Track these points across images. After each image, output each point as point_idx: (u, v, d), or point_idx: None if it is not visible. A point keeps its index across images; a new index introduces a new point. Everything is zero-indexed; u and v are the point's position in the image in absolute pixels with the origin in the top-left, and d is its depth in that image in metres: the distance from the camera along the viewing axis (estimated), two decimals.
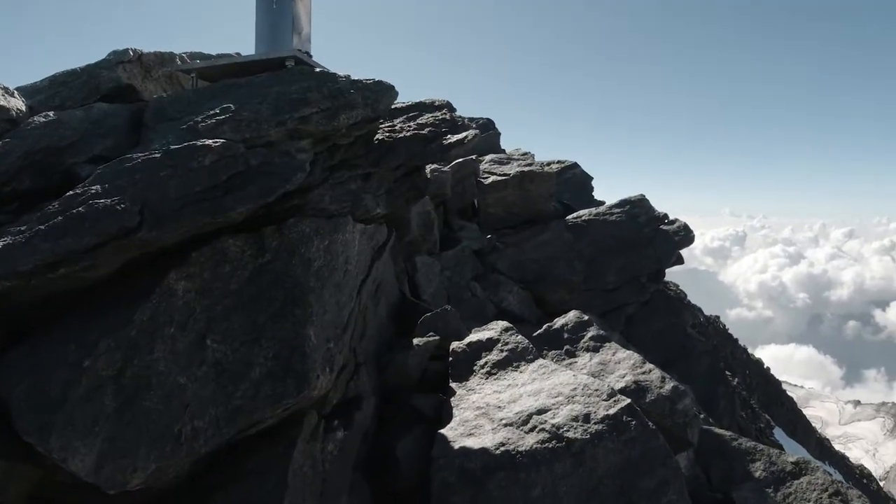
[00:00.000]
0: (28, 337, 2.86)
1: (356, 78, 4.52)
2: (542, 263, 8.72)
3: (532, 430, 4.63)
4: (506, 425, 4.71)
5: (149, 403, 2.72)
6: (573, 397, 4.78)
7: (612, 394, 4.86)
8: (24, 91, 4.36)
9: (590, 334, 6.72)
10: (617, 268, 9.77)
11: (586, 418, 4.59)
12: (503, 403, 4.86)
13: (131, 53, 4.69)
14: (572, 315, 6.89)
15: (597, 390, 4.92)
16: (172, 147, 3.06)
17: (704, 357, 10.27)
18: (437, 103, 5.58)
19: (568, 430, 4.50)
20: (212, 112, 3.62)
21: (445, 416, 4.97)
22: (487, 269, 8.48)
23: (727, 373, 12.21)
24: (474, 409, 4.88)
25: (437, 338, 5.36)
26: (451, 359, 5.38)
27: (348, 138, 4.27)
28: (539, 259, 8.79)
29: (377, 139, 4.75)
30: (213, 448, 2.90)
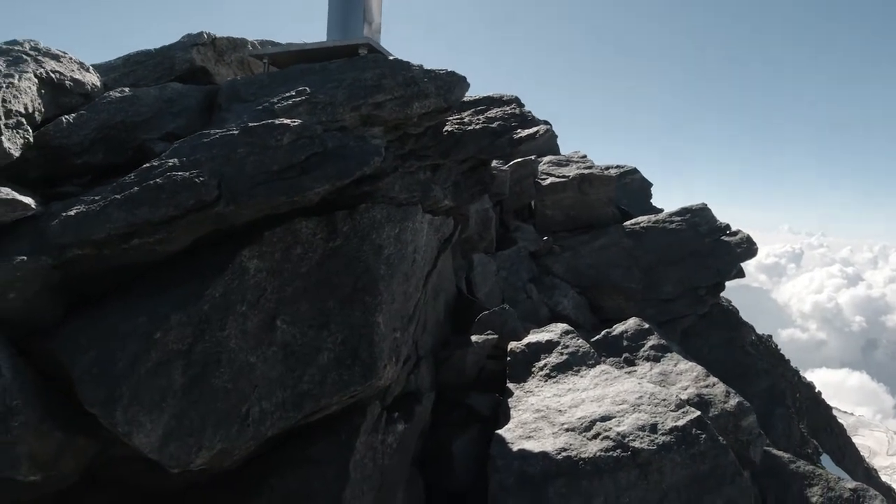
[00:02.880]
0: (94, 307, 2.80)
1: (428, 68, 4.43)
2: (599, 269, 8.46)
3: (595, 436, 4.42)
4: (567, 430, 4.52)
5: (217, 381, 2.65)
6: (639, 406, 4.55)
7: (680, 404, 4.62)
8: (99, 69, 4.40)
9: (650, 343, 6.46)
10: (675, 278, 9.44)
11: (653, 428, 4.36)
12: (564, 407, 4.67)
13: (205, 37, 4.71)
14: (632, 322, 6.64)
15: (664, 400, 4.69)
16: (251, 124, 3.00)
17: (763, 376, 9.82)
18: (505, 98, 5.44)
19: (634, 440, 4.28)
20: (287, 94, 3.56)
21: (502, 416, 4.80)
22: (542, 272, 8.28)
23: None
24: (533, 411, 4.70)
25: (495, 336, 5.21)
26: (508, 359, 5.22)
27: (419, 128, 4.17)
28: (596, 264, 8.53)
29: (446, 131, 4.64)
30: (277, 431, 2.82)
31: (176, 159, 2.88)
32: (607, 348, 6.39)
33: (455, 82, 4.29)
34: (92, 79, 3.85)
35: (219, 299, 2.67)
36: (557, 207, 9.42)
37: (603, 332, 6.43)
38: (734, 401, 5.55)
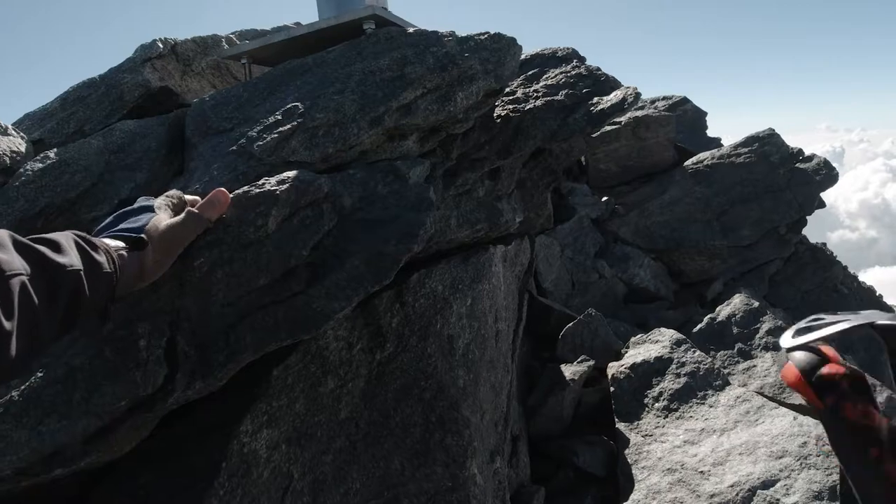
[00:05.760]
0: None
1: (462, 34, 3.06)
2: (673, 227, 7.09)
3: None
4: None
5: None
6: (806, 458, 3.28)
7: None
8: (34, 118, 3.17)
9: (765, 326, 5.13)
10: (752, 219, 7.99)
11: (833, 494, 3.12)
12: (705, 466, 3.41)
13: (160, 46, 3.38)
14: (739, 302, 5.31)
15: None
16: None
17: None
18: (559, 52, 4.03)
19: None
20: (272, 119, 2.28)
21: (623, 478, 3.61)
22: (609, 240, 6.95)
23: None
24: (663, 470, 3.49)
25: (591, 362, 4.00)
26: (612, 389, 4.03)
27: (465, 123, 2.85)
28: (669, 221, 7.15)
29: (498, 116, 3.30)
30: None
31: None
32: (714, 339, 5.11)
33: (505, 49, 2.91)
34: (11, 144, 2.60)
35: None
36: (611, 159, 7.99)
37: (706, 320, 5.14)
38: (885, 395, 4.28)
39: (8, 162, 2.60)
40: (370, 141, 2.33)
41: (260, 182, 1.71)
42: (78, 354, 1.42)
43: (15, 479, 1.39)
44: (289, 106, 2.29)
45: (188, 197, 1.67)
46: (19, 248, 1.00)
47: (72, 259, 1.09)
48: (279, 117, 2.24)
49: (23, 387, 1.42)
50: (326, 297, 1.50)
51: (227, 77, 3.94)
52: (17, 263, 0.96)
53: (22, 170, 2.49)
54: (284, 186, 1.68)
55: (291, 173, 1.80)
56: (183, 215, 1.48)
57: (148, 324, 1.44)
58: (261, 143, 2.12)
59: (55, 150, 2.59)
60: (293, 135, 2.15)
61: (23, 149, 2.74)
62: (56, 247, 1.09)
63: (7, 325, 0.88)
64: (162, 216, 1.46)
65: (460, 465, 1.87)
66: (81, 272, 1.10)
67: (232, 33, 4.23)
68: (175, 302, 1.50)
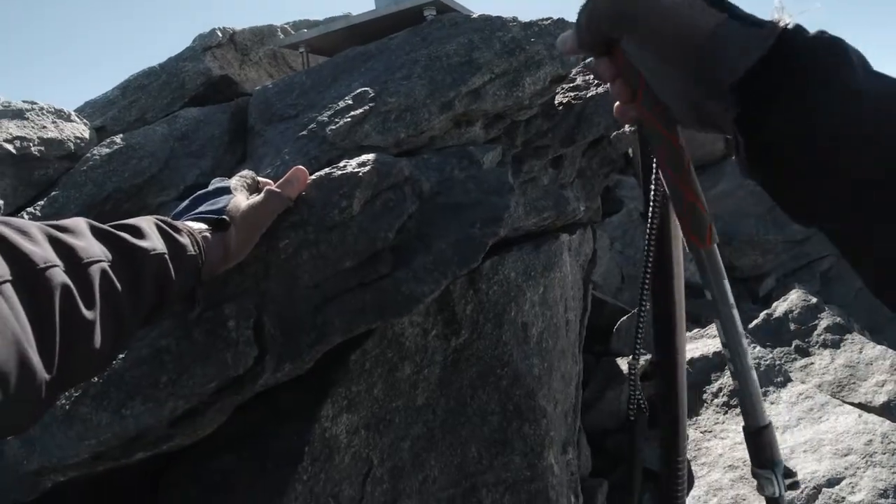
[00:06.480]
0: None
1: (525, 20, 3.00)
2: (725, 221, 6.89)
3: None
4: None
5: None
6: (872, 455, 3.14)
7: None
8: (95, 106, 3.21)
9: (824, 323, 4.93)
10: None
11: None
12: None
13: (219, 35, 3.41)
14: (796, 298, 5.11)
15: None
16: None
17: None
18: None
19: None
20: (342, 103, 2.26)
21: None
22: None
23: None
24: (724, 467, 3.39)
25: (647, 356, 3.92)
26: None
27: (530, 110, 2.79)
28: (720, 215, 6.95)
29: (559, 104, 3.22)
30: None
31: None
32: (770, 335, 4.95)
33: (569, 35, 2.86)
34: (75, 130, 2.64)
35: None
36: None
37: (762, 315, 4.97)
38: None
39: (72, 148, 2.63)
40: (440, 126, 2.29)
41: (341, 164, 1.68)
42: (164, 336, 1.40)
43: (91, 463, 1.38)
44: (358, 91, 2.26)
45: (261, 179, 1.65)
46: (98, 234, 0.96)
47: (155, 243, 1.05)
48: (350, 102, 2.21)
49: None
50: (415, 281, 1.46)
51: (284, 66, 3.94)
52: (95, 250, 0.91)
53: (89, 154, 2.51)
54: (366, 168, 1.64)
55: (370, 156, 1.77)
56: (263, 194, 1.45)
57: (234, 305, 1.42)
58: (333, 127, 2.09)
59: (121, 135, 2.61)
60: (365, 119, 2.12)
61: (86, 135, 2.77)
62: (137, 231, 1.05)
63: (88, 314, 0.83)
64: (240, 197, 1.44)
65: (538, 454, 1.82)
66: (166, 256, 1.06)
67: (286, 23, 4.24)
68: (260, 284, 1.48)
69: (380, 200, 1.63)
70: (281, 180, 1.54)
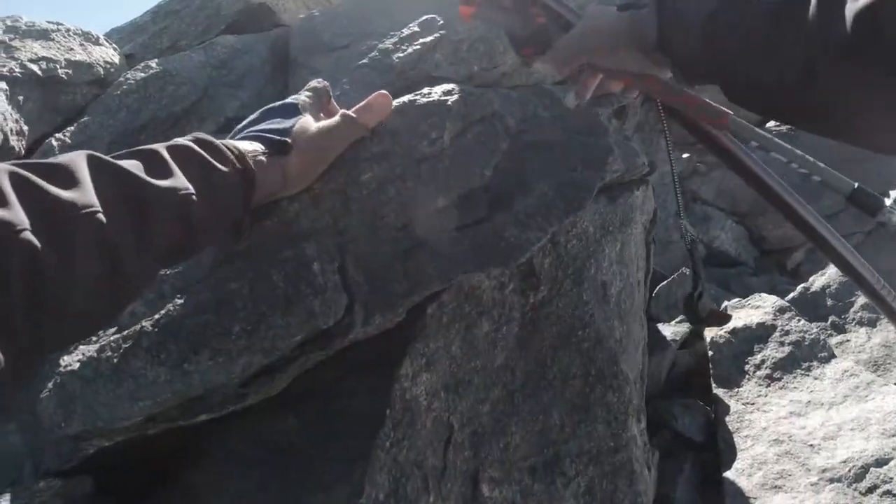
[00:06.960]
0: None
1: None
2: (756, 193, 6.67)
3: (871, 490, 2.94)
4: (831, 481, 3.03)
5: None
6: None
7: None
8: (122, 32, 2.95)
9: (861, 300, 4.78)
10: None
11: None
12: (815, 439, 3.16)
13: None
14: (834, 272, 4.93)
15: None
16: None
17: None
18: None
19: None
20: (406, 31, 2.03)
21: (724, 445, 3.42)
22: (688, 199, 6.58)
23: None
24: (768, 441, 3.26)
25: (689, 326, 3.77)
26: (710, 353, 3.79)
27: None
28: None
29: None
30: None
31: None
32: (807, 310, 4.78)
33: None
34: (104, 54, 2.40)
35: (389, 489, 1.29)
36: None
37: (799, 289, 4.79)
38: None
39: (101, 73, 2.41)
40: (511, 62, 2.06)
41: (424, 91, 1.47)
42: (230, 278, 1.21)
43: (143, 426, 1.19)
44: (426, 17, 2.02)
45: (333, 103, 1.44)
46: (101, 170, 0.81)
47: (176, 181, 0.90)
48: (416, 29, 1.98)
49: (157, 315, 1.21)
50: (517, 226, 1.27)
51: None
52: (89, 198, 0.76)
53: (122, 78, 2.29)
54: (454, 97, 1.44)
55: (450, 86, 1.55)
56: (338, 118, 1.26)
57: (315, 244, 1.23)
58: (400, 55, 1.87)
59: (155, 60, 2.38)
60: (435, 47, 1.90)
61: (116, 60, 2.54)
62: (158, 167, 0.90)
63: (65, 276, 0.71)
64: (309, 118, 1.24)
65: (622, 423, 1.66)
66: (191, 196, 0.90)
67: None
68: (339, 222, 1.28)
69: (471, 133, 1.43)
70: (359, 105, 1.33)
